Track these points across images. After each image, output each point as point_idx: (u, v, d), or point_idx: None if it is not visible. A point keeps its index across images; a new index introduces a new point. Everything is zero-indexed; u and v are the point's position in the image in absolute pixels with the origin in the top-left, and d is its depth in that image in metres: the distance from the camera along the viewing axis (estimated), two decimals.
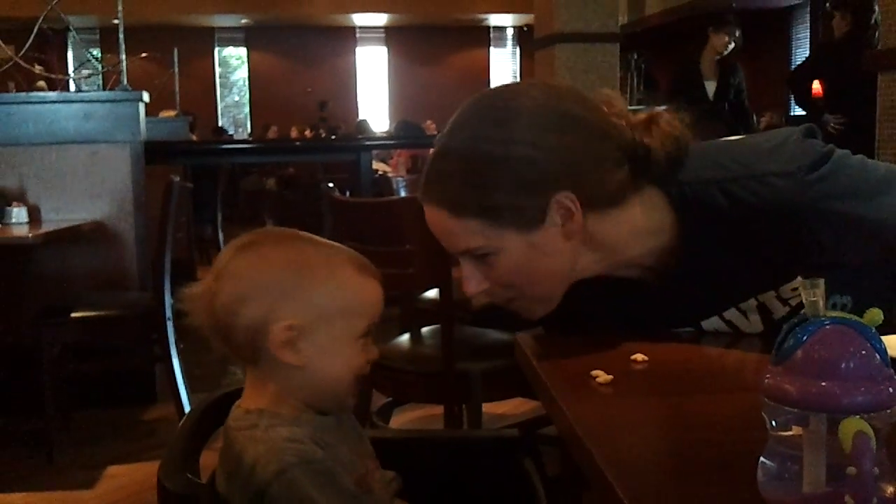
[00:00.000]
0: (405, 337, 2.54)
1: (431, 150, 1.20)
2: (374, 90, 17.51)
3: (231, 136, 13.98)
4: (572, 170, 1.13)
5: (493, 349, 2.33)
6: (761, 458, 0.68)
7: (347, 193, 6.49)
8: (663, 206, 1.19)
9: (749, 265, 1.19)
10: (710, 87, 5.96)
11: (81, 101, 4.01)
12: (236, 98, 17.55)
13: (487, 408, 2.72)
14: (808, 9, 13.21)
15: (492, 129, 1.14)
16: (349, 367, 1.06)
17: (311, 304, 1.04)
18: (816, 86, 5.63)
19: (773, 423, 0.66)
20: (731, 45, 5.91)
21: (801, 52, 13.50)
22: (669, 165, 1.19)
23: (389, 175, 6.44)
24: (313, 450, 0.99)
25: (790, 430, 0.65)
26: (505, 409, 3.08)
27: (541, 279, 1.17)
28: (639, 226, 1.19)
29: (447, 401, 2.30)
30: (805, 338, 0.65)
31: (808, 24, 13.29)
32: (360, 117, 15.32)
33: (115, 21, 4.41)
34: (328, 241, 1.12)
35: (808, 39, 13.23)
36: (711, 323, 1.26)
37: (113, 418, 3.67)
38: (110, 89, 4.56)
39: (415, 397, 2.52)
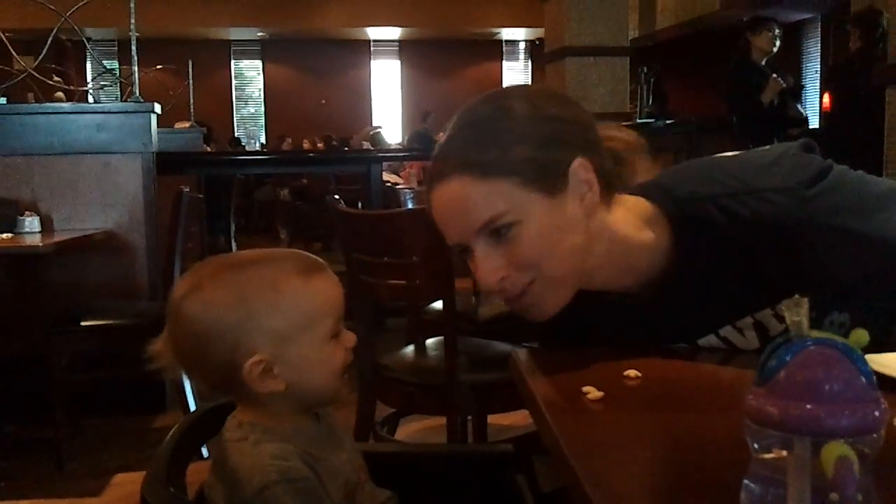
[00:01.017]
0: (410, 348, 2.54)
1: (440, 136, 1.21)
2: (387, 103, 17.56)
3: (244, 147, 14.03)
4: (585, 134, 1.16)
5: (498, 361, 2.32)
6: (744, 482, 0.67)
7: (359, 205, 6.52)
8: (660, 222, 1.19)
9: (745, 282, 1.18)
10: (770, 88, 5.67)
11: (94, 112, 4.04)
12: (252, 110, 17.63)
13: (493, 419, 2.71)
14: (819, 23, 13.19)
15: (503, 99, 1.17)
16: (331, 369, 1.06)
17: (270, 332, 1.02)
18: (829, 99, 5.62)
19: (756, 445, 0.65)
20: (778, 42, 5.73)
21: (812, 66, 13.47)
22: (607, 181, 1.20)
23: (398, 187, 6.44)
24: (298, 468, 0.98)
25: (772, 452, 0.64)
26: (511, 421, 3.07)
27: (561, 255, 1.14)
28: (642, 233, 1.19)
29: (450, 412, 2.29)
30: (788, 358, 0.64)
31: (819, 39, 13.26)
32: (374, 128, 15.35)
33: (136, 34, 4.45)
34: (266, 253, 1.10)
35: (819, 53, 13.20)
36: (707, 339, 1.25)
37: (122, 426, 3.68)
38: (125, 101, 4.59)
39: (419, 409, 2.52)
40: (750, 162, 1.24)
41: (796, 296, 0.65)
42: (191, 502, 0.99)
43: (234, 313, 1.02)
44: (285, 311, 1.03)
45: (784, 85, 5.68)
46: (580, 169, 1.13)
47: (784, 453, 0.64)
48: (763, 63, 5.79)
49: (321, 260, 1.09)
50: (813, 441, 0.61)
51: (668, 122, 7.94)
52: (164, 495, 0.93)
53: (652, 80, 10.81)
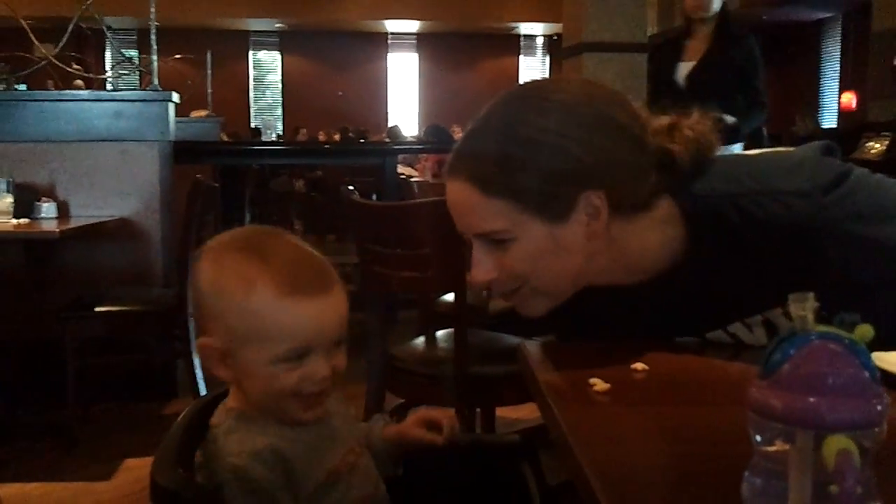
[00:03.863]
0: (420, 339, 2.54)
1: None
2: (404, 95, 17.56)
3: (259, 137, 14.07)
4: (607, 170, 1.13)
5: (508, 353, 2.32)
6: (746, 474, 0.67)
7: (374, 197, 6.52)
8: (676, 218, 1.19)
9: (757, 282, 1.18)
10: (686, 69, 4.43)
11: (112, 100, 4.07)
12: (270, 100, 17.67)
13: (502, 412, 2.72)
14: (840, 22, 13.11)
15: (528, 115, 1.14)
16: (274, 390, 1.02)
17: (227, 327, 1.03)
18: (849, 98, 5.58)
19: (759, 438, 0.66)
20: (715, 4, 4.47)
21: (831, 66, 13.40)
22: (694, 169, 1.18)
23: (413, 179, 6.44)
24: (251, 467, 0.98)
25: (775, 445, 0.64)
26: (520, 414, 3.07)
27: (551, 274, 1.16)
28: (654, 235, 1.19)
29: (459, 404, 2.30)
30: (792, 351, 0.64)
31: (840, 37, 13.19)
32: (391, 122, 15.39)
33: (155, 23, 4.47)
34: (274, 250, 1.06)
35: (840, 51, 13.13)
36: (715, 334, 1.25)
37: (133, 412, 3.72)
38: (143, 89, 4.62)
39: (428, 400, 2.52)
40: (771, 163, 1.23)
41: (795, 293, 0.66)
42: (200, 484, 1.00)
43: (207, 293, 1.05)
44: (243, 315, 1.01)
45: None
46: (590, 200, 1.12)
47: (786, 446, 0.64)
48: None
49: (323, 284, 1.04)
50: (815, 434, 0.62)
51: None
52: (174, 476, 0.94)
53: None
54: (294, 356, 1.01)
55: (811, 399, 0.62)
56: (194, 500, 0.93)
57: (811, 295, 0.66)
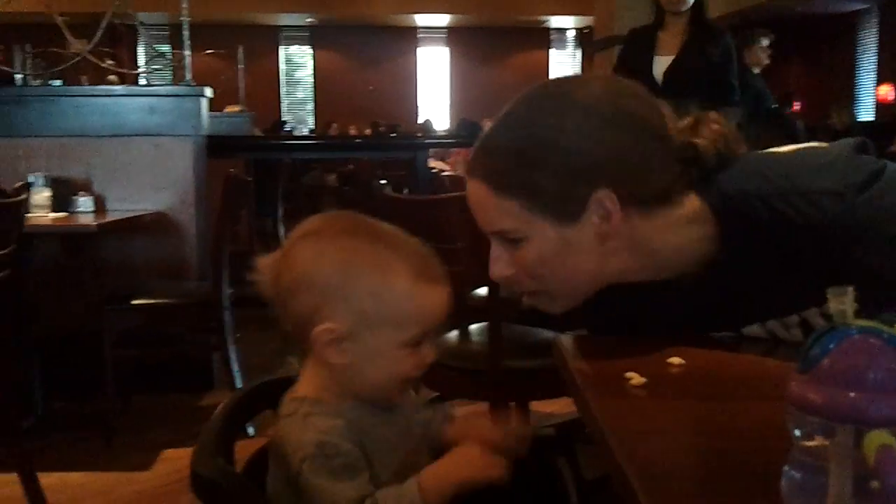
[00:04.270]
0: (454, 333, 2.55)
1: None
2: (434, 89, 17.56)
3: (290, 132, 14.13)
4: (620, 168, 1.12)
5: (542, 348, 2.32)
6: (785, 469, 0.67)
7: (406, 191, 6.54)
8: (705, 216, 1.18)
9: (790, 282, 1.17)
10: (663, 64, 4.29)
11: (146, 95, 4.11)
12: (301, 95, 17.74)
13: (536, 406, 2.72)
14: (876, 13, 12.93)
15: (547, 114, 1.14)
16: (393, 373, 1.05)
17: (355, 310, 1.02)
18: (886, 90, 5.53)
19: (798, 432, 0.66)
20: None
21: (868, 58, 13.22)
22: (719, 164, 1.17)
23: (444, 173, 6.45)
24: (337, 443, 1.00)
25: (814, 440, 0.64)
26: (554, 408, 3.07)
27: (566, 276, 1.16)
28: (682, 232, 1.18)
29: (493, 398, 2.30)
30: (832, 346, 0.64)
31: (876, 29, 13.01)
32: (421, 117, 15.42)
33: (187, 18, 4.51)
34: (397, 236, 1.08)
35: (876, 43, 12.94)
36: (751, 330, 1.24)
37: (170, 403, 3.76)
38: (177, 85, 4.66)
39: (462, 394, 2.53)
40: (803, 161, 1.21)
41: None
42: (239, 475, 1.02)
43: (333, 276, 1.03)
44: (379, 298, 1.02)
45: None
46: (603, 200, 1.12)
47: (825, 441, 0.64)
48: (757, 73, 5.53)
49: (442, 272, 1.07)
50: (855, 429, 0.62)
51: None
52: (214, 466, 0.96)
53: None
54: (416, 342, 1.04)
55: (852, 394, 0.62)
56: (234, 490, 0.94)
57: (850, 289, 0.66)
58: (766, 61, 5.79)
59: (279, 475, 1.04)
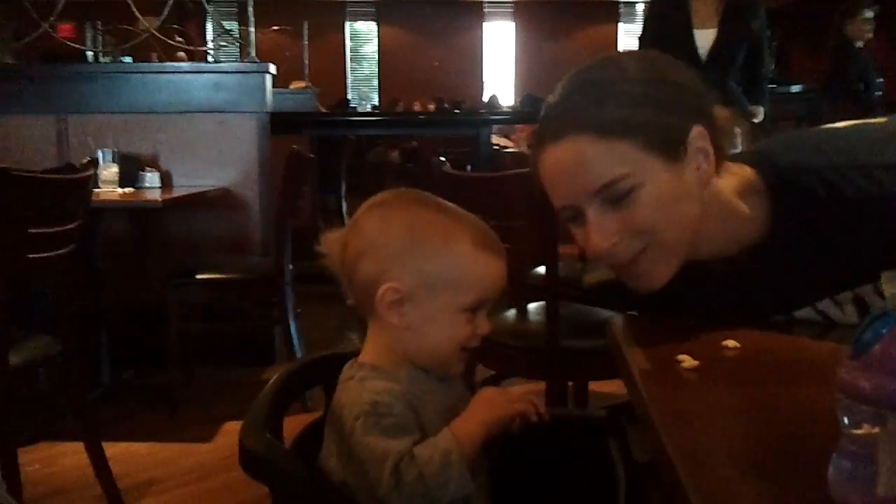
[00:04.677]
0: (512, 312, 2.54)
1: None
2: (500, 65, 17.45)
3: (354, 108, 14.19)
4: (701, 104, 1.13)
5: (600, 327, 2.29)
6: (833, 457, 0.65)
7: (468, 168, 6.52)
8: (758, 187, 1.16)
9: (845, 258, 1.14)
10: (706, 37, 3.95)
11: (212, 72, 4.16)
12: (366, 71, 17.78)
13: (594, 386, 2.70)
14: None
15: (626, 58, 1.15)
16: (451, 338, 1.09)
17: (419, 272, 1.06)
18: None
19: (847, 420, 0.64)
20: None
21: None
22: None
23: (508, 150, 6.41)
24: (391, 403, 1.02)
25: (861, 428, 0.62)
26: (612, 388, 3.05)
27: (678, 224, 1.12)
28: (744, 201, 1.16)
29: (551, 377, 2.29)
30: (884, 331, 0.62)
31: None
32: (487, 92, 15.35)
33: None
34: (459, 210, 1.12)
35: None
36: (804, 312, 1.21)
37: (233, 377, 3.84)
38: (242, 62, 4.71)
39: (519, 372, 2.52)
40: (861, 135, 1.18)
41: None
42: (286, 449, 1.03)
43: (400, 238, 1.07)
44: (442, 262, 1.06)
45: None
46: (698, 137, 1.11)
47: (875, 429, 0.62)
48: (860, 46, 5.37)
49: (500, 246, 1.11)
50: None
51: (791, 88, 7.64)
52: (262, 440, 0.97)
53: (774, 43, 10.39)
54: (474, 308, 1.08)
55: None
56: (281, 465, 0.95)
57: None
58: (869, 35, 5.57)
59: (332, 440, 1.07)
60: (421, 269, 1.06)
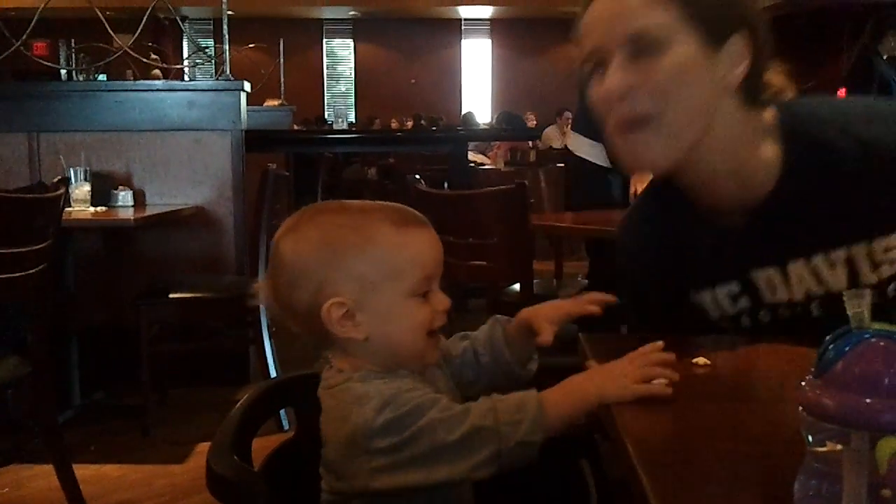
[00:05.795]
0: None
1: None
2: (477, 82, 17.51)
3: (330, 125, 14.20)
4: (759, 24, 1.13)
5: (573, 346, 2.30)
6: (798, 475, 0.65)
7: (445, 185, 6.53)
8: (773, 134, 1.16)
9: (848, 208, 1.14)
10: None
11: (186, 90, 4.15)
12: (343, 88, 17.80)
13: None
14: None
15: None
16: (413, 327, 1.05)
17: (353, 277, 1.02)
18: None
19: (811, 438, 0.64)
20: None
21: None
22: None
23: (484, 167, 6.43)
24: (408, 394, 0.99)
25: (825, 446, 0.62)
26: None
27: (687, 104, 1.10)
28: (757, 142, 1.15)
29: None
30: (847, 349, 0.62)
31: None
32: (464, 109, 15.40)
33: (229, 13, 4.54)
34: (366, 203, 1.09)
35: None
36: (796, 267, 1.19)
37: (207, 397, 3.79)
38: (216, 79, 4.70)
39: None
40: (883, 103, 1.22)
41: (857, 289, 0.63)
42: (255, 472, 1.01)
43: (320, 253, 1.04)
44: (371, 257, 1.03)
45: None
46: (742, 42, 1.10)
47: (839, 447, 0.62)
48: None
49: (422, 217, 1.08)
50: (870, 435, 0.60)
51: None
52: (229, 463, 0.96)
53: None
54: (422, 289, 1.05)
55: (866, 399, 0.60)
56: (246, 488, 0.94)
57: (868, 292, 0.63)
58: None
59: (344, 442, 1.01)
60: (353, 274, 1.02)
